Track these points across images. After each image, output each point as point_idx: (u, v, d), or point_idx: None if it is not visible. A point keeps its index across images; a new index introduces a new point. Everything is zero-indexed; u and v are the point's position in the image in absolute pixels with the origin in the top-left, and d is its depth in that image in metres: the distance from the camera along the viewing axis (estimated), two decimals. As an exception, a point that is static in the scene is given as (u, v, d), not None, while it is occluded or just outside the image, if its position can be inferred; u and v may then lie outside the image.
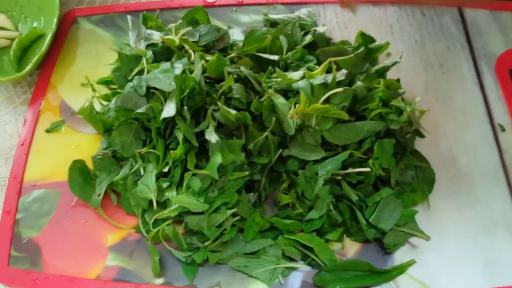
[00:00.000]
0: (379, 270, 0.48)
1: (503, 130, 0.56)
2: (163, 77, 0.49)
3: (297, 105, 0.47)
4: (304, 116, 0.48)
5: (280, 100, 0.49)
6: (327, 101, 0.48)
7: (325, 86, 0.48)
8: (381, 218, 0.48)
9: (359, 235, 0.50)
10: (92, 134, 0.58)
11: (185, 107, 0.47)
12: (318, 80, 0.48)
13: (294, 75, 0.51)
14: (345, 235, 0.50)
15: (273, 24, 0.63)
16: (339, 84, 0.49)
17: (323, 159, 0.49)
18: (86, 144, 0.57)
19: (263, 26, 0.65)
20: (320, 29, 0.61)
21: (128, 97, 0.49)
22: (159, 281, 0.49)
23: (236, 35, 0.63)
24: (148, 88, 0.49)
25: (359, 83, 0.49)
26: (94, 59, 0.63)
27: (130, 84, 0.50)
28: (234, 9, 0.67)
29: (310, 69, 0.53)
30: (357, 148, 0.49)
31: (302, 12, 0.65)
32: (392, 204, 0.49)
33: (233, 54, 0.58)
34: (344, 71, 0.51)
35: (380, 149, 0.48)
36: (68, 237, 0.52)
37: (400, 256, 0.49)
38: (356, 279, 0.47)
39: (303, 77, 0.50)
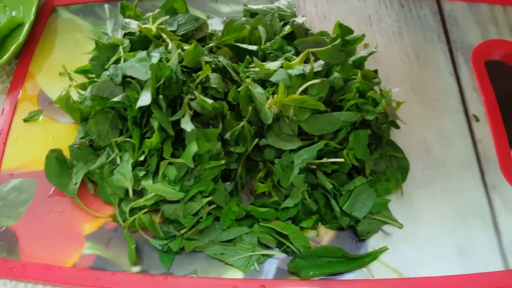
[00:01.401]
0: (352, 256, 0.48)
1: (477, 120, 0.57)
2: (139, 65, 0.49)
3: (275, 95, 0.47)
4: (282, 106, 0.48)
5: (257, 89, 0.50)
6: (304, 91, 0.48)
7: (302, 77, 0.48)
8: (354, 206, 0.49)
9: (333, 222, 0.50)
10: (70, 124, 0.58)
11: (161, 96, 0.48)
12: (296, 70, 0.49)
13: (272, 65, 0.51)
14: (320, 223, 0.51)
15: (252, 14, 0.63)
16: (316, 75, 0.50)
17: (299, 148, 0.49)
18: (64, 133, 0.57)
19: (243, 16, 0.65)
20: (299, 19, 0.61)
21: (104, 85, 0.49)
22: (136, 269, 0.49)
23: (216, 25, 0.64)
24: (125, 76, 0.49)
25: (336, 74, 0.49)
26: (72, 48, 0.63)
27: (106, 72, 0.50)
28: (214, -1, 0.67)
29: (288, 60, 0.54)
30: (333, 138, 0.50)
31: (282, 2, 0.65)
32: (365, 192, 0.50)
33: (212, 44, 0.58)
34: (321, 62, 0.52)
35: (356, 139, 0.49)
36: (45, 226, 0.52)
37: (373, 243, 0.50)
38: (330, 265, 0.48)
39: (280, 67, 0.51)
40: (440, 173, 0.54)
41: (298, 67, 0.49)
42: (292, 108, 0.48)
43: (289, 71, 0.49)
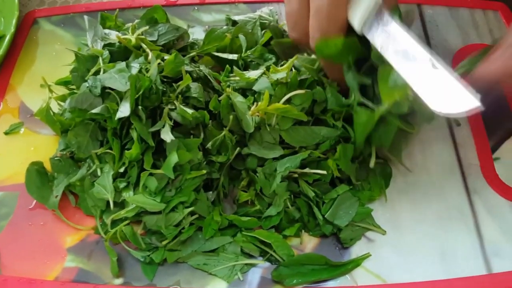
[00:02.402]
0: (335, 263, 0.48)
1: (458, 124, 0.58)
2: (119, 77, 0.49)
3: (257, 104, 0.47)
4: (264, 114, 0.48)
5: (238, 98, 0.50)
6: (287, 101, 0.49)
7: (286, 85, 0.48)
8: (337, 214, 0.49)
9: (316, 230, 0.50)
10: (51, 136, 0.57)
11: (140, 107, 0.48)
12: (280, 75, 0.49)
13: (253, 73, 0.52)
14: (303, 230, 0.51)
15: (234, 23, 0.64)
16: (300, 83, 0.50)
17: (282, 156, 0.49)
18: (46, 146, 0.56)
19: (224, 25, 0.65)
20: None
21: (83, 97, 0.49)
22: (118, 281, 0.48)
23: (197, 34, 0.64)
24: (104, 88, 0.49)
25: (318, 88, 0.49)
26: (54, 60, 0.63)
27: (85, 84, 0.50)
28: (196, 8, 0.67)
29: (268, 69, 0.54)
30: (315, 148, 0.50)
31: (264, 11, 0.66)
32: (348, 201, 0.50)
33: (193, 53, 0.58)
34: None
35: (343, 152, 0.49)
36: (26, 240, 0.51)
37: (356, 250, 0.50)
38: (313, 273, 0.48)
39: (261, 76, 0.51)
40: (422, 178, 0.54)
41: (282, 73, 0.49)
42: (275, 117, 0.48)
43: (273, 75, 0.49)
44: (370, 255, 0.49)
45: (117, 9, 0.62)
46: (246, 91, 0.52)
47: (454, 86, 0.38)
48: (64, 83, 0.58)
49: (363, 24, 0.44)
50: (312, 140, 0.50)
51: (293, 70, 0.51)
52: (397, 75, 0.42)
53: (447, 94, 0.38)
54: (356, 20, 0.44)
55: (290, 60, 0.50)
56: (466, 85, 0.38)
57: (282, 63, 0.54)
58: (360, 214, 0.50)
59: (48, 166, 0.54)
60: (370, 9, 0.43)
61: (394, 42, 0.42)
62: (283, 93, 0.49)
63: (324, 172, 0.49)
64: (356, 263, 0.48)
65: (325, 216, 0.49)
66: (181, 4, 0.67)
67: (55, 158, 0.53)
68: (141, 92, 0.47)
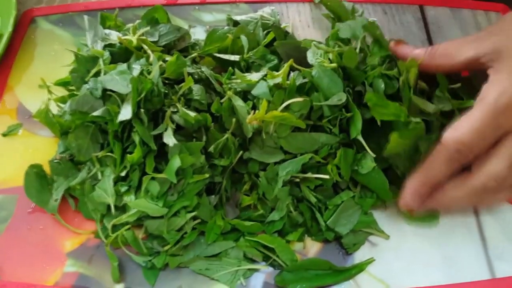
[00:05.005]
0: (339, 268, 0.48)
1: None
2: (120, 78, 0.48)
3: (256, 111, 0.47)
4: (262, 122, 0.48)
5: (239, 102, 0.49)
6: (286, 107, 0.48)
7: (284, 90, 0.48)
8: (338, 221, 0.49)
9: (319, 235, 0.50)
10: (50, 137, 0.56)
11: (142, 110, 0.47)
12: (276, 80, 0.48)
13: (254, 76, 0.51)
14: (306, 235, 0.51)
15: (235, 23, 0.63)
16: (299, 89, 0.49)
17: (283, 161, 0.49)
18: (44, 148, 0.55)
19: (226, 25, 0.64)
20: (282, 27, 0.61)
21: (84, 100, 0.48)
22: (119, 286, 0.48)
23: (199, 34, 0.63)
24: (105, 90, 0.48)
25: (315, 94, 0.49)
26: (52, 60, 0.62)
27: (86, 86, 0.49)
28: (196, 7, 0.66)
29: (271, 70, 0.53)
30: (315, 152, 0.50)
31: (265, 11, 0.65)
32: (351, 209, 0.50)
33: (194, 54, 0.58)
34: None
35: (343, 157, 0.49)
36: (25, 244, 0.50)
37: (360, 255, 0.49)
38: (317, 278, 0.48)
39: (262, 79, 0.50)
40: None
41: (278, 79, 0.49)
42: (273, 124, 0.48)
43: (271, 81, 0.49)
44: (374, 260, 0.49)
45: (117, 9, 0.61)
46: (247, 93, 0.52)
47: None
48: (63, 83, 0.57)
49: None
50: (311, 147, 0.49)
51: (292, 74, 0.50)
52: None
53: None
54: None
55: (286, 64, 0.49)
56: None
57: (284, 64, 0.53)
58: (362, 222, 0.50)
59: (47, 168, 0.53)
60: None
61: None
62: (281, 99, 0.48)
63: (327, 176, 0.49)
64: (360, 268, 0.48)
65: (327, 222, 0.49)
66: (181, 3, 0.66)
67: (55, 161, 0.52)
68: (143, 95, 0.46)
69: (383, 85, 0.48)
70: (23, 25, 0.65)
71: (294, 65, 0.50)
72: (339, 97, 0.47)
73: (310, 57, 0.52)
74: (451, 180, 0.45)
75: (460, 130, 0.42)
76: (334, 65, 0.49)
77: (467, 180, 0.44)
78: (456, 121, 0.43)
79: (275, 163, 0.49)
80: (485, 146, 0.43)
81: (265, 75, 0.51)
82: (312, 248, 0.50)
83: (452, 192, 0.45)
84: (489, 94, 0.42)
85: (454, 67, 0.48)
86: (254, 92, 0.48)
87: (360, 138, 0.47)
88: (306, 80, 0.50)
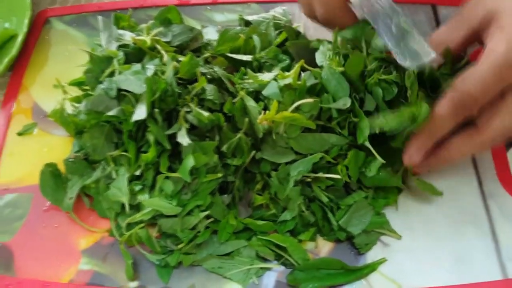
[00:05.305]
0: (351, 268, 0.48)
1: None
2: (134, 79, 0.49)
3: (266, 112, 0.47)
4: (272, 122, 0.48)
5: (250, 102, 0.49)
6: (296, 107, 0.48)
7: (294, 91, 0.48)
8: (350, 222, 0.49)
9: (331, 234, 0.50)
10: (65, 137, 0.57)
11: (156, 110, 0.47)
12: (288, 80, 0.48)
13: (265, 76, 0.51)
14: (318, 234, 0.51)
15: (247, 23, 0.63)
16: (310, 90, 0.49)
17: (295, 160, 0.49)
18: (59, 147, 0.56)
19: (237, 25, 0.65)
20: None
21: (99, 100, 0.49)
22: (133, 284, 0.48)
23: (211, 34, 0.63)
24: (119, 90, 0.49)
25: (325, 95, 0.49)
26: (66, 60, 0.63)
27: (101, 86, 0.49)
28: (208, 7, 0.67)
29: (283, 70, 0.54)
30: (326, 152, 0.50)
31: (277, 11, 0.65)
32: (363, 209, 0.50)
33: (207, 54, 0.58)
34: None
35: (354, 158, 0.49)
36: (40, 242, 0.51)
37: (372, 254, 0.50)
38: (329, 277, 0.48)
39: (274, 79, 0.50)
40: (436, 182, 0.54)
41: (289, 79, 0.49)
42: (283, 125, 0.48)
43: (281, 81, 0.49)
44: (386, 260, 0.49)
45: (130, 9, 0.61)
46: (259, 93, 0.52)
47: (417, 41, 0.45)
48: (78, 83, 0.57)
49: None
50: (320, 147, 0.49)
51: (303, 74, 0.50)
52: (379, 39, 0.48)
53: (411, 49, 0.45)
54: None
55: (297, 65, 0.49)
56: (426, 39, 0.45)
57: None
58: (374, 223, 0.50)
59: (62, 167, 0.54)
60: None
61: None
62: (291, 100, 0.48)
63: (338, 176, 0.49)
64: (372, 268, 0.48)
65: (339, 222, 0.49)
66: (193, 3, 0.66)
67: (69, 160, 0.53)
68: (157, 95, 0.47)
69: (381, 93, 0.49)
70: (38, 25, 0.66)
71: (305, 65, 0.50)
72: (344, 102, 0.48)
73: (319, 58, 0.52)
74: (457, 136, 0.46)
75: (468, 81, 0.43)
76: (342, 68, 0.49)
77: (476, 135, 0.45)
78: (464, 73, 0.44)
79: (287, 163, 0.50)
80: (488, 99, 0.43)
81: (277, 75, 0.51)
82: (324, 247, 0.50)
83: (460, 148, 0.46)
84: (497, 47, 0.42)
85: (454, 50, 0.49)
86: (265, 92, 0.49)
87: (368, 144, 0.48)
88: (317, 81, 0.50)
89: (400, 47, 0.45)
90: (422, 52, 0.44)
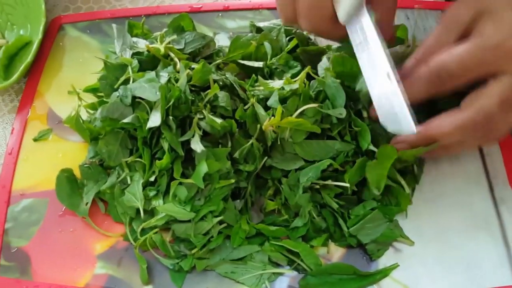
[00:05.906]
0: (363, 273, 0.48)
1: None
2: (149, 86, 0.49)
3: (271, 118, 0.48)
4: (278, 128, 0.49)
5: (260, 110, 0.50)
6: (301, 113, 0.49)
7: (298, 96, 0.48)
8: (362, 230, 0.49)
9: (343, 240, 0.51)
10: (80, 142, 0.58)
11: (171, 117, 0.48)
12: (293, 86, 0.49)
13: (276, 83, 0.52)
14: (329, 240, 0.51)
15: (259, 29, 0.64)
16: (316, 95, 0.50)
17: (303, 167, 0.49)
18: (74, 152, 0.57)
19: (249, 31, 0.65)
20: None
21: (114, 107, 0.50)
22: (147, 288, 0.49)
23: (222, 40, 0.64)
24: (134, 97, 0.50)
25: (327, 102, 0.49)
26: (81, 67, 0.64)
27: (116, 93, 0.50)
28: (220, 14, 0.67)
29: (293, 76, 0.54)
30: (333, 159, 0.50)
31: (288, 17, 0.65)
32: (378, 221, 0.50)
33: (219, 61, 0.59)
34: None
35: (360, 167, 0.49)
36: (56, 246, 0.52)
37: (384, 260, 0.50)
38: (341, 282, 0.48)
39: (282, 87, 0.51)
40: (448, 188, 0.54)
41: (293, 85, 0.50)
42: (288, 130, 0.49)
43: (287, 87, 0.49)
44: (398, 265, 0.49)
45: (143, 17, 0.62)
46: (269, 100, 0.53)
47: (400, 106, 0.43)
48: (92, 90, 0.58)
49: (348, 16, 0.45)
50: (325, 154, 0.49)
51: (312, 81, 0.51)
52: (363, 80, 0.47)
53: (392, 112, 0.44)
54: (341, 10, 0.45)
55: (303, 71, 0.50)
56: (409, 106, 0.43)
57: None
58: (386, 236, 0.50)
59: (77, 173, 0.55)
60: (353, 2, 0.44)
61: (365, 43, 0.45)
62: (295, 105, 0.49)
63: (347, 184, 0.49)
64: (385, 273, 0.49)
65: (350, 229, 0.49)
66: (205, 10, 0.67)
67: (85, 166, 0.54)
68: (171, 103, 0.48)
69: None
70: (52, 32, 0.67)
71: (310, 72, 0.51)
72: (340, 111, 0.48)
73: (321, 66, 0.53)
74: (440, 114, 0.46)
75: (447, 55, 0.43)
76: (338, 81, 0.50)
77: (457, 113, 0.45)
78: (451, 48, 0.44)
79: (296, 169, 0.50)
80: (466, 79, 0.43)
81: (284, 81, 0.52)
82: (336, 252, 0.51)
83: (441, 124, 0.45)
84: (485, 30, 0.42)
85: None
86: (269, 103, 0.49)
87: (372, 147, 0.48)
88: (321, 88, 0.50)
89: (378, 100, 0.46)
90: (404, 122, 0.44)
